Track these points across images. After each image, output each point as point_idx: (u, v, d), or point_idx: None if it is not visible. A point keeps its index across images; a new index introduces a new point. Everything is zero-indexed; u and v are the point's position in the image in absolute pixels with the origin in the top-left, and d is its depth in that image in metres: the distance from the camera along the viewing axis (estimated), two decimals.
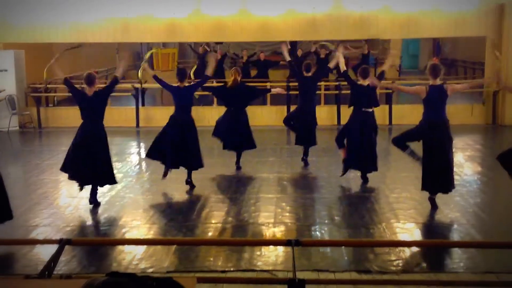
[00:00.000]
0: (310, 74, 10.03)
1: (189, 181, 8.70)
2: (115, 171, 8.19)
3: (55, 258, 3.98)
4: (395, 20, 14.64)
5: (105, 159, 7.84)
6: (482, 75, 15.97)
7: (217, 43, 21.00)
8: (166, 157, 8.60)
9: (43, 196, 8.42)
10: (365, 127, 8.66)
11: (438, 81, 7.40)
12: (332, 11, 14.58)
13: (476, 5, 14.32)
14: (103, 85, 7.85)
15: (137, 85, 15.30)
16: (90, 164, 7.66)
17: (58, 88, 16.47)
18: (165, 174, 8.69)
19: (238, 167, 9.95)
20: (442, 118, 7.41)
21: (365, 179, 8.82)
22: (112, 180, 8.02)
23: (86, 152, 7.67)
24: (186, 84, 8.70)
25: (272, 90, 11.00)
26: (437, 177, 7.42)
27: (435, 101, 7.38)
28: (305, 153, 10.15)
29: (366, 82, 8.63)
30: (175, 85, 8.66)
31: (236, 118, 9.71)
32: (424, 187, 7.55)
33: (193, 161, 8.65)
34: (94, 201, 7.83)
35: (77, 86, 8.28)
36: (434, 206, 7.53)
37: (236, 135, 9.75)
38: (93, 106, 7.73)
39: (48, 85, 15.80)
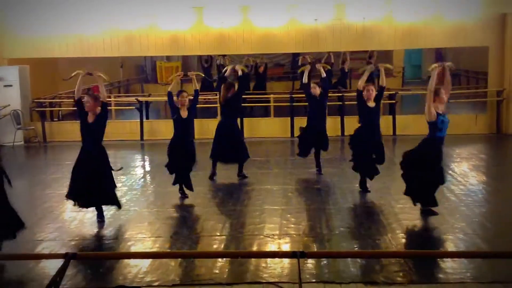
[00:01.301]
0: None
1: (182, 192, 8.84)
2: (119, 184, 8.20)
3: (60, 272, 3.99)
4: (397, 31, 14.69)
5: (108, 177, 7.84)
6: (485, 84, 15.97)
7: (219, 55, 21.14)
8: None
9: (49, 210, 8.44)
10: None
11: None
12: (335, 22, 14.64)
13: (478, 15, 14.36)
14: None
15: (142, 98, 15.37)
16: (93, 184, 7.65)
17: (63, 103, 16.56)
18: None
19: (243, 177, 10.03)
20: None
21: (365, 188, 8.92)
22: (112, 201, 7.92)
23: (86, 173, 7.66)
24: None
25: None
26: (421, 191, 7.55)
27: (444, 126, 7.45)
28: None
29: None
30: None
31: (228, 132, 9.87)
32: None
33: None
34: (101, 218, 7.82)
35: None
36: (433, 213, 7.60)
37: (231, 149, 9.89)
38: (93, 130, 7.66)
39: (52, 100, 15.89)
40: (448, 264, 5.98)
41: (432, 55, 26.12)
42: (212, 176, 9.95)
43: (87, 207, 7.85)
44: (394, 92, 15.57)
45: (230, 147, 9.87)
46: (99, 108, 7.61)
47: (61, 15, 14.59)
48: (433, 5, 14.35)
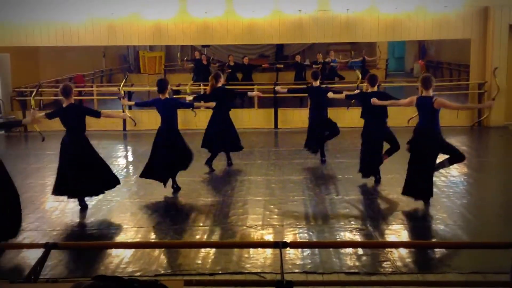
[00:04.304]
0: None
1: (175, 186, 8.74)
2: None
3: (41, 262, 3.94)
4: (381, 23, 14.73)
5: (100, 163, 7.83)
6: (467, 77, 16.09)
7: (203, 46, 21.05)
8: (160, 173, 8.59)
9: (29, 200, 8.35)
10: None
11: (430, 93, 7.57)
12: (319, 13, 14.63)
13: (461, 7, 14.44)
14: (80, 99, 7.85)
15: (124, 88, 15.25)
16: (87, 174, 7.63)
17: (44, 92, 16.37)
18: (164, 184, 8.69)
19: (230, 164, 10.28)
20: (426, 127, 7.63)
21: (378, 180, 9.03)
22: (115, 181, 8.02)
23: (77, 164, 7.62)
24: (167, 96, 8.60)
25: (249, 93, 11.34)
26: (416, 183, 7.69)
27: (421, 111, 7.72)
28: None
29: (375, 89, 8.80)
30: (157, 97, 8.64)
31: (220, 123, 9.94)
32: (404, 192, 7.83)
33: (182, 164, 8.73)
34: (83, 204, 7.83)
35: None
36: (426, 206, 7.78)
37: (222, 138, 9.98)
38: (68, 117, 7.63)
39: (33, 89, 15.70)
40: (429, 255, 6.05)
41: (415, 47, 26.27)
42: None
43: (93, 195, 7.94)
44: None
45: (225, 136, 10.02)
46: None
47: (43, 2, 14.38)
48: None
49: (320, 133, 10.34)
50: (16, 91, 15.09)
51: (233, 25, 14.82)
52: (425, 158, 7.62)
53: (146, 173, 8.66)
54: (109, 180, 7.96)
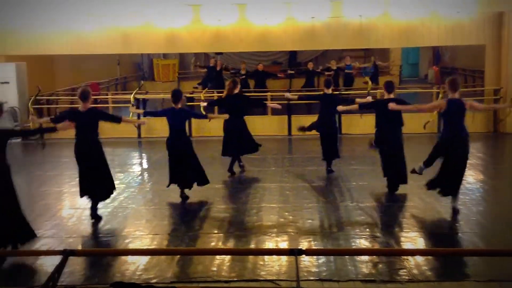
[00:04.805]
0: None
1: (183, 195, 8.67)
2: (117, 182, 8.21)
3: (59, 269, 3.97)
4: (394, 29, 14.70)
5: (104, 170, 7.86)
6: (482, 83, 16.00)
7: (216, 53, 21.14)
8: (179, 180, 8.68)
9: (46, 207, 8.42)
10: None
11: (457, 95, 7.52)
12: (331, 20, 14.63)
13: (475, 13, 14.38)
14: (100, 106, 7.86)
15: (139, 96, 15.36)
16: (93, 178, 7.68)
17: (60, 100, 16.52)
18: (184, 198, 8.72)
19: (242, 166, 10.45)
20: (460, 130, 7.63)
21: (393, 189, 8.82)
22: (111, 189, 8.02)
23: (87, 167, 7.68)
24: (180, 106, 8.56)
25: (269, 104, 11.47)
26: (447, 182, 7.68)
27: (453, 115, 7.59)
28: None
29: (391, 96, 8.59)
30: (170, 107, 8.66)
31: (233, 128, 10.04)
32: (432, 186, 7.84)
33: (196, 178, 8.74)
34: (95, 215, 7.79)
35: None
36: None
37: (238, 142, 10.10)
38: (85, 122, 7.62)
39: (49, 97, 15.86)
40: (445, 262, 6.00)
41: (429, 53, 26.15)
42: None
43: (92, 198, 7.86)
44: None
45: (242, 140, 10.17)
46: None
47: (58, 12, 14.54)
48: (430, 3, 14.35)
49: (328, 142, 10.21)
50: None
51: (246, 33, 14.87)
52: (460, 162, 7.65)
53: (171, 182, 8.75)
54: (106, 190, 7.93)
